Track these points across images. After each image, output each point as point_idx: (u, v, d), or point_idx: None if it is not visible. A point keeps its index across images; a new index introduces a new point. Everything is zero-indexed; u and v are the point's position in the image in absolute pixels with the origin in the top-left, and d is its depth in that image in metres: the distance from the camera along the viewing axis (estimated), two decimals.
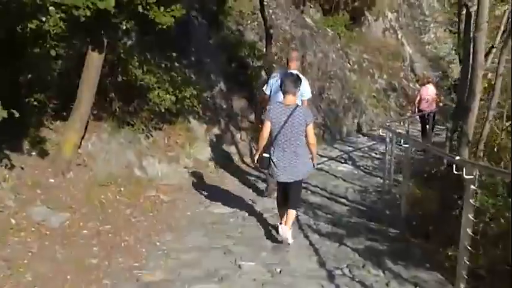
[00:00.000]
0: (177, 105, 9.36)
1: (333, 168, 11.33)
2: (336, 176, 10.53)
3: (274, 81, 7.62)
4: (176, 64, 10.05)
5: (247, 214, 7.38)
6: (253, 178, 9.88)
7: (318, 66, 15.76)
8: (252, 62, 13.30)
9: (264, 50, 13.37)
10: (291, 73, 6.41)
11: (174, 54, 9.78)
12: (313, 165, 6.21)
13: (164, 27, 7.04)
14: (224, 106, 12.23)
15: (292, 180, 5.99)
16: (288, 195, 6.11)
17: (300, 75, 6.64)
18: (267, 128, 5.89)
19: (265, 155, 6.03)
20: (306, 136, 5.90)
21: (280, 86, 6.10)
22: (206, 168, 9.93)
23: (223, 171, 10.13)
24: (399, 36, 21.40)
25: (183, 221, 6.97)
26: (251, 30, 14.66)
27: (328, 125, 15.01)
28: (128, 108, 8.72)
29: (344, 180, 10.16)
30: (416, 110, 14.81)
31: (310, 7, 18.47)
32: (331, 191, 9.09)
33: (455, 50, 24.67)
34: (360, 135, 15.92)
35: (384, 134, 10.05)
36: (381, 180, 10.40)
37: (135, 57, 8.61)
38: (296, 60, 7.94)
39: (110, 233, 6.17)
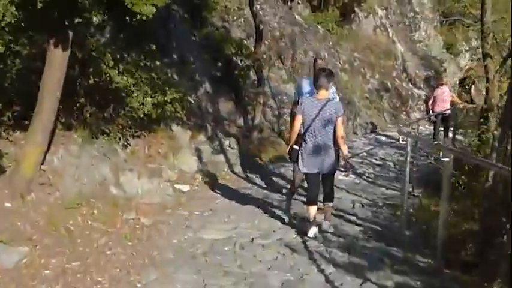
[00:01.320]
0: (158, 109, 8.20)
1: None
2: (337, 187, 9.38)
3: (303, 83, 7.28)
4: (157, 63, 8.84)
5: (245, 239, 6.19)
6: (246, 191, 8.74)
7: (309, 66, 14.63)
8: (240, 60, 12.15)
9: (253, 48, 12.25)
10: (324, 68, 6.58)
11: (153, 47, 8.49)
12: (346, 162, 6.60)
13: (144, 18, 5.83)
14: (210, 110, 11.06)
15: (327, 171, 6.19)
16: (323, 187, 6.32)
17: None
18: (298, 121, 6.09)
19: (295, 147, 6.15)
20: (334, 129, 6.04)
21: (314, 81, 6.25)
22: (193, 181, 8.77)
23: (211, 183, 8.97)
24: (390, 34, 20.41)
25: (169, 253, 5.73)
26: (237, 27, 13.52)
27: None
28: (102, 114, 7.50)
29: (347, 192, 9.04)
30: (431, 111, 14.35)
31: (298, 3, 17.40)
32: (337, 206, 7.92)
33: (447, 48, 23.94)
34: (356, 139, 14.82)
35: (404, 141, 8.97)
36: (387, 191, 9.35)
37: (109, 55, 7.36)
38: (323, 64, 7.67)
39: (78, 273, 4.95)
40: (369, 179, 10.34)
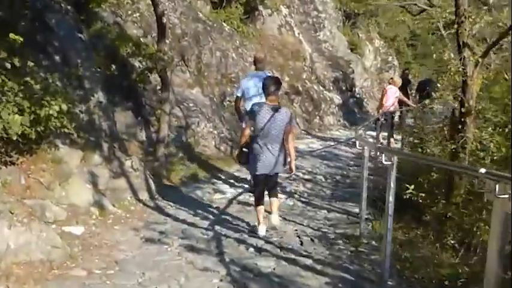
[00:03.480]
0: (37, 127, 6.11)
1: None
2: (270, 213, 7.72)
3: (246, 81, 8.26)
4: (33, 67, 6.65)
5: None
6: (160, 228, 6.79)
7: (217, 68, 12.90)
8: (139, 62, 10.12)
9: (153, 46, 10.29)
10: (271, 76, 7.23)
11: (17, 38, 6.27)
12: (291, 168, 6.59)
13: None
14: (105, 123, 8.89)
15: (272, 173, 6.51)
16: (267, 186, 6.64)
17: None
18: (248, 125, 6.47)
19: (244, 149, 6.50)
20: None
21: (263, 88, 6.48)
22: (88, 219, 6.71)
23: (113, 219, 6.96)
24: (296, 33, 19.11)
25: None
26: (133, 23, 11.48)
27: (232, 138, 12.18)
28: None
29: (285, 219, 7.37)
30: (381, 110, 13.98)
31: None
32: (281, 242, 6.29)
33: (351, 49, 23.13)
34: None
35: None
36: (330, 214, 7.79)
37: None
38: (264, 61, 8.65)
39: None
40: (303, 199, 8.72)
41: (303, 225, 7.13)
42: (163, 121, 9.68)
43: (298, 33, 19.21)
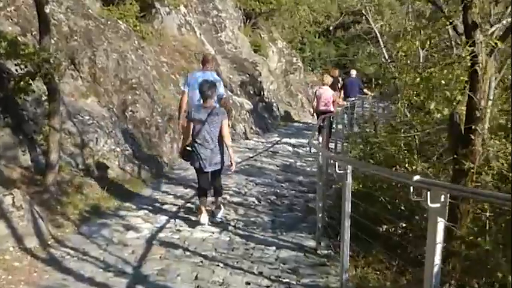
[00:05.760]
0: None
1: (180, 236, 6.76)
2: (210, 259, 5.94)
3: (192, 78, 8.40)
4: None
5: None
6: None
7: (115, 72, 10.80)
8: (17, 66, 7.85)
9: (33, 46, 8.08)
10: (207, 80, 7.39)
11: None
12: (231, 162, 7.26)
13: None
14: None
15: (214, 169, 7.16)
16: (212, 182, 7.36)
17: (216, 77, 8.52)
18: (190, 126, 7.11)
19: (188, 148, 7.16)
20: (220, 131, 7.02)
21: (200, 92, 7.18)
22: None
23: None
24: (198, 34, 17.30)
25: None
26: (6, 18, 9.15)
27: (139, 155, 10.18)
28: None
29: (227, 265, 5.63)
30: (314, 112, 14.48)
31: None
32: None
33: (254, 50, 21.71)
34: (188, 166, 11.30)
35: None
36: (282, 252, 6.16)
37: None
38: (212, 61, 8.84)
39: None
40: (240, 231, 7.00)
41: (254, 273, 5.41)
42: (52, 140, 7.55)
43: (200, 34, 17.44)
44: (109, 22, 11.77)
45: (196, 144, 6.98)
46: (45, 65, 7.32)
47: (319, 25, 32.99)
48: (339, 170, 4.42)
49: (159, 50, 15.10)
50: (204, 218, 7.07)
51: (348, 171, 4.33)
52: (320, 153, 6.23)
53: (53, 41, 9.50)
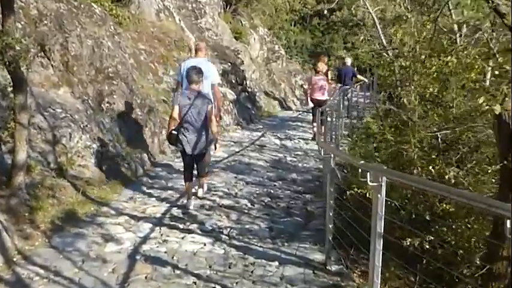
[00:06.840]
0: None
1: (167, 249, 5.90)
2: (202, 276, 5.12)
3: (186, 66, 8.10)
4: None
5: None
6: None
7: (90, 60, 9.83)
8: None
9: None
10: (194, 66, 7.52)
11: None
12: (215, 146, 8.63)
13: None
14: None
15: (198, 153, 7.36)
16: (196, 165, 7.63)
17: (209, 63, 8.77)
18: (176, 110, 7.24)
19: (174, 132, 7.25)
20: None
21: (186, 77, 7.46)
22: None
23: None
24: (177, 20, 16.31)
25: None
26: None
27: (118, 152, 9.26)
28: None
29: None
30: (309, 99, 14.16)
31: None
32: None
33: (235, 37, 20.81)
34: (171, 162, 10.40)
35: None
36: (287, 269, 5.37)
37: None
38: (205, 49, 8.92)
39: None
40: (235, 242, 6.17)
41: None
42: (20, 137, 6.61)
43: (179, 20, 16.46)
44: (82, 5, 10.75)
45: (182, 128, 7.19)
46: (9, 51, 6.36)
47: (295, 12, 32.54)
48: (372, 182, 3.62)
49: (137, 36, 14.11)
50: (190, 203, 7.40)
51: (383, 183, 3.56)
52: (331, 155, 5.41)
53: (19, 26, 8.55)
